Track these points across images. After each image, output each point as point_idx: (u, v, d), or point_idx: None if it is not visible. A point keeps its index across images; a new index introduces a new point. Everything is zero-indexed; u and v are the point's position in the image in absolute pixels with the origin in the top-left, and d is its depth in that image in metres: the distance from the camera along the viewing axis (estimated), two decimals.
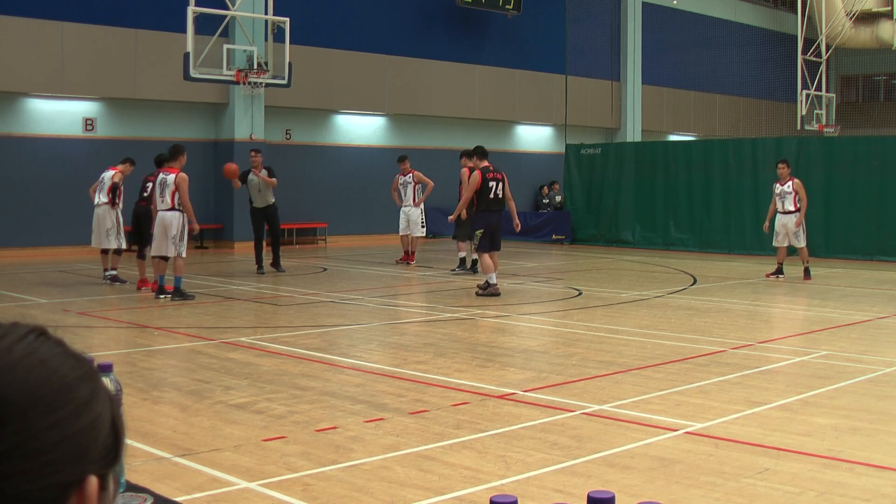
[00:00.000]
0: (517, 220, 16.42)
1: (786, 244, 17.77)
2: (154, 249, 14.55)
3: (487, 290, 15.01)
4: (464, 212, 16.90)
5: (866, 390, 8.39)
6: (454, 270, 19.12)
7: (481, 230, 15.28)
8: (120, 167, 16.46)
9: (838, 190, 22.59)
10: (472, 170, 16.14)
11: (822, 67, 36.98)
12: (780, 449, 6.39)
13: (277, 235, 19.13)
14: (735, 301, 15.03)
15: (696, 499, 5.43)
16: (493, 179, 15.43)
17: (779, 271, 17.93)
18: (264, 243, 18.83)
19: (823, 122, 36.95)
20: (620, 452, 6.35)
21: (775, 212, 17.87)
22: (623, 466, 6.03)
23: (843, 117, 40.54)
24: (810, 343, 10.90)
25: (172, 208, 14.34)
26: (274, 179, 18.61)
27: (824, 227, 22.77)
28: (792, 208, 17.65)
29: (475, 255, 19.51)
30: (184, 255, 14.48)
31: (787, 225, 17.65)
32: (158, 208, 14.51)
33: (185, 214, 14.42)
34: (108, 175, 16.35)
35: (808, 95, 35.92)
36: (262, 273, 18.41)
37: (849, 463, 6.11)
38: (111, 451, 1.15)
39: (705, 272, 19.11)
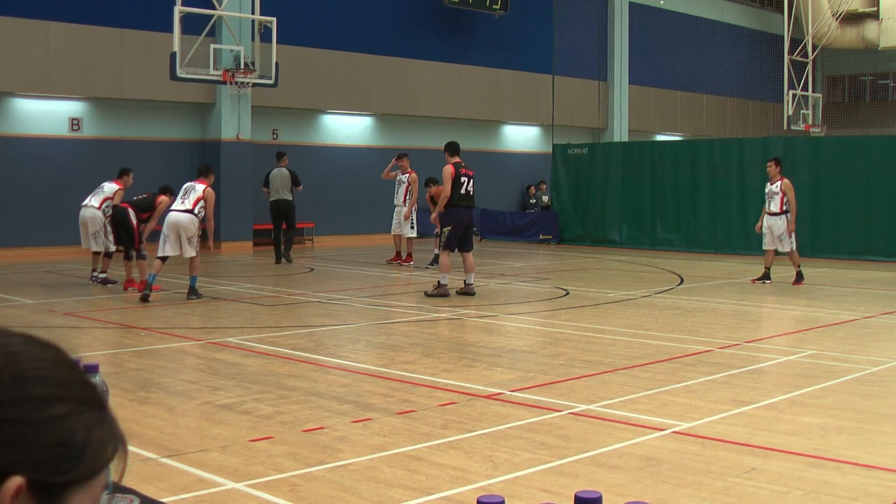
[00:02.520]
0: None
1: (773, 248, 17.03)
2: (161, 249, 14.48)
3: (437, 291, 14.89)
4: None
5: (853, 389, 8.42)
6: (430, 265, 19.43)
7: (450, 227, 15.06)
8: (120, 183, 16.33)
9: (825, 190, 22.66)
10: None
11: (809, 68, 37.09)
12: (766, 448, 6.41)
13: (291, 229, 21.19)
14: (722, 301, 15.06)
15: (684, 498, 5.44)
16: (465, 175, 15.22)
17: (765, 276, 17.09)
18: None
19: (810, 122, 37.07)
20: (608, 452, 6.35)
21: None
22: (610, 466, 6.03)
23: (829, 117, 40.66)
24: (797, 342, 10.93)
25: (189, 211, 14.44)
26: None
27: (811, 226, 22.84)
28: (777, 210, 16.90)
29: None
30: (195, 254, 14.60)
31: (773, 227, 16.93)
32: (174, 208, 14.55)
33: (198, 219, 14.52)
34: (111, 188, 16.20)
35: (794, 95, 36.03)
36: (279, 264, 20.30)
37: (835, 462, 6.13)
38: (67, 464, 1.12)
39: (692, 272, 19.15)
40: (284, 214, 20.71)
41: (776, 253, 17.11)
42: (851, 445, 6.55)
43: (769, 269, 17.20)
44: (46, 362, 1.15)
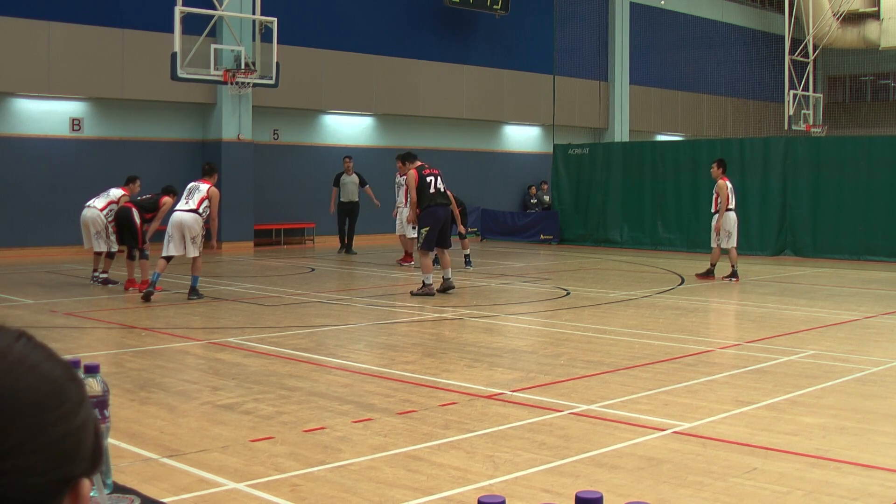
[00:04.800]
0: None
1: (725, 245, 17.61)
2: (165, 249, 14.48)
3: (422, 290, 15.03)
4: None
5: (854, 390, 8.41)
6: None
7: (428, 227, 15.20)
8: (127, 190, 16.34)
9: (825, 190, 22.67)
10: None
11: (810, 68, 37.08)
12: (767, 448, 6.41)
13: (353, 227, 23.78)
14: (722, 301, 15.06)
15: (684, 498, 5.43)
16: (430, 175, 15.44)
17: (732, 273, 17.53)
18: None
19: (811, 122, 37.06)
20: (608, 452, 6.35)
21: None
22: (611, 466, 6.03)
23: (830, 117, 40.66)
24: (798, 342, 10.93)
25: (194, 211, 14.45)
26: (367, 186, 23.60)
27: (812, 226, 22.88)
28: (713, 209, 17.81)
29: (467, 250, 19.68)
30: (199, 254, 14.61)
31: (713, 225, 17.75)
32: (179, 208, 14.57)
33: (202, 218, 14.51)
34: (117, 193, 16.22)
35: (795, 95, 36.01)
36: (340, 254, 23.19)
37: (836, 462, 6.13)
38: (96, 454, 1.16)
39: (693, 272, 19.13)
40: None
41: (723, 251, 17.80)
42: (852, 446, 6.55)
43: (734, 265, 17.66)
44: (60, 362, 1.17)
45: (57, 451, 1.09)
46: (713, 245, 17.81)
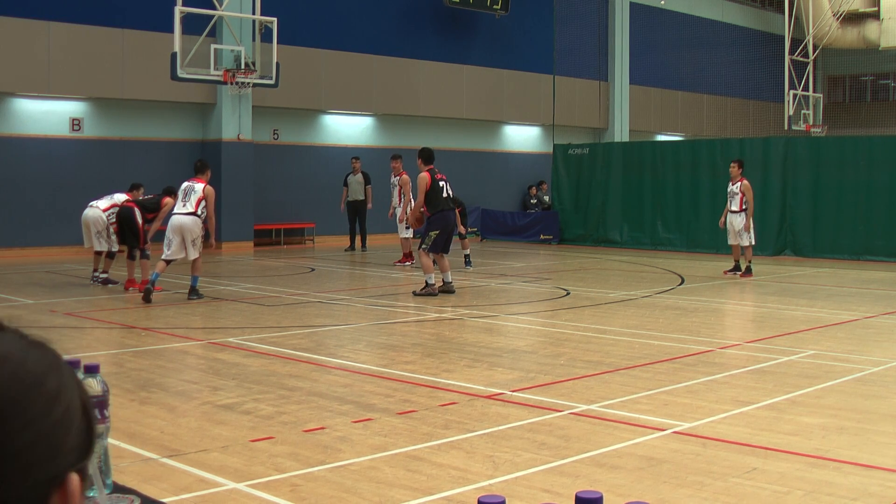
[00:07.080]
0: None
1: (737, 242, 18.37)
2: (166, 253, 14.48)
3: (425, 290, 15.08)
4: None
5: (853, 390, 8.41)
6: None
7: (437, 231, 15.26)
8: (130, 195, 16.35)
9: (825, 190, 22.66)
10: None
11: (810, 68, 37.08)
12: (767, 448, 6.41)
13: (363, 225, 24.50)
14: (723, 301, 15.05)
15: (684, 498, 5.43)
16: (441, 180, 15.59)
17: (735, 268, 18.40)
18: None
19: (811, 122, 37.05)
20: (608, 452, 6.35)
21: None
22: (611, 466, 6.03)
23: (830, 117, 40.65)
24: (798, 342, 10.93)
25: (193, 213, 14.45)
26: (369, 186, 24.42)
27: (811, 226, 22.88)
28: (737, 209, 18.27)
29: (467, 250, 19.70)
30: (199, 255, 14.64)
31: (734, 223, 18.27)
32: (177, 211, 14.56)
33: (201, 220, 14.51)
34: (120, 198, 16.23)
35: (795, 95, 36.01)
36: (351, 251, 24.04)
37: (836, 462, 6.13)
38: (86, 438, 1.11)
39: (693, 272, 19.15)
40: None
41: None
42: (852, 445, 6.55)
43: (738, 261, 18.49)
44: (35, 348, 1.11)
45: (29, 457, 1.03)
46: (746, 244, 18.32)
